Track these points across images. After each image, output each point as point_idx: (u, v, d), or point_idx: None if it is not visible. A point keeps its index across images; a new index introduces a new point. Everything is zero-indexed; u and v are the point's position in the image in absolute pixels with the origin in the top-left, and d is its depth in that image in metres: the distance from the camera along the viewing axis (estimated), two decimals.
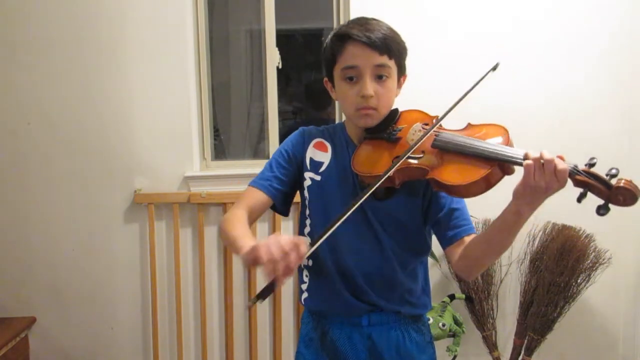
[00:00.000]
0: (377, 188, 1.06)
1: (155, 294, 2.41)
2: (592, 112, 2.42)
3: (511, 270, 2.43)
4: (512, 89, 2.36)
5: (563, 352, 2.51)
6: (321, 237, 1.01)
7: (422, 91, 2.05)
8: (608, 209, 0.94)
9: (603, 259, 2.26)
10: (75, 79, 2.34)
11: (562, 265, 2.22)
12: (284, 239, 0.94)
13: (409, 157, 1.10)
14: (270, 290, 0.96)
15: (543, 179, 0.93)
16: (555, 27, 2.39)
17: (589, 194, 0.95)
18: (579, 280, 2.26)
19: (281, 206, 1.29)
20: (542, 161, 0.93)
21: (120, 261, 2.44)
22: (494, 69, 1.11)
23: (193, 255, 2.45)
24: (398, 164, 1.08)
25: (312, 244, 1.00)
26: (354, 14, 2.33)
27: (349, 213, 1.03)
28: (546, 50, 2.39)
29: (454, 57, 2.36)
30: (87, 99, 2.35)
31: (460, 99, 1.09)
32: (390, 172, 1.07)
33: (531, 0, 2.38)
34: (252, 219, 1.24)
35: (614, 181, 0.93)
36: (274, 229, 2.41)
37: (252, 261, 0.97)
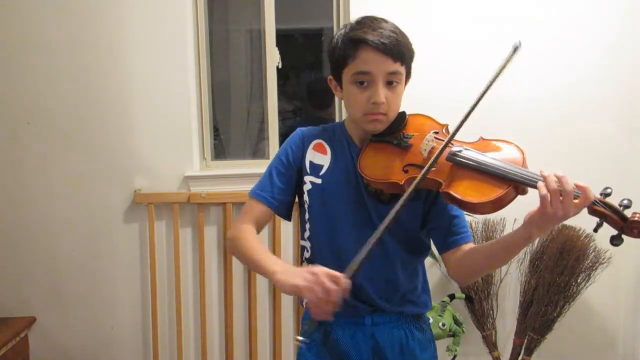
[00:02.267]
0: (403, 199, 1.06)
1: (155, 293, 2.41)
2: (592, 111, 2.42)
3: (511, 270, 2.43)
4: (512, 88, 2.36)
5: (563, 352, 2.51)
6: (358, 262, 1.04)
7: (424, 91, 2.05)
8: (622, 240, 0.98)
9: (603, 259, 2.26)
10: (75, 79, 2.34)
11: (562, 265, 2.22)
12: (325, 277, 0.99)
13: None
14: (319, 328, 1.05)
15: (561, 207, 0.94)
16: (555, 26, 2.39)
17: (586, 213, 0.97)
18: (578, 280, 2.27)
19: (285, 214, 1.31)
20: (560, 190, 0.94)
21: (120, 261, 2.44)
22: (517, 49, 1.07)
23: (193, 255, 2.45)
24: (420, 179, 1.07)
25: (350, 269, 1.03)
26: (354, 14, 2.33)
27: (380, 230, 1.05)
28: (546, 50, 2.39)
29: (454, 57, 2.36)
30: (87, 98, 2.35)
31: (483, 94, 1.06)
32: (413, 187, 1.07)
33: (532, 0, 2.39)
34: (258, 232, 1.27)
35: (628, 213, 0.96)
36: (274, 229, 2.41)
37: (294, 295, 1.04)
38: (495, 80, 1.06)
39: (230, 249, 1.29)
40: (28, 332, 2.44)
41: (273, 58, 2.51)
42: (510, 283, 2.47)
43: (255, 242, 1.21)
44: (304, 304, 1.32)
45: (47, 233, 2.41)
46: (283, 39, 2.57)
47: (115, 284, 2.45)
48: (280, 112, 2.58)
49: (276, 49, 2.51)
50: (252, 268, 1.21)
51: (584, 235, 2.25)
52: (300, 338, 1.08)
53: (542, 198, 0.95)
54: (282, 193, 1.27)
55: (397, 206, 1.05)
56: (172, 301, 2.44)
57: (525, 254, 2.38)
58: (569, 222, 2.26)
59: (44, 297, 2.44)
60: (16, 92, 2.34)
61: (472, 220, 2.31)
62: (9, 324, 2.35)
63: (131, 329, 2.47)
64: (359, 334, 1.26)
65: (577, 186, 0.95)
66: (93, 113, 2.36)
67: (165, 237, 2.43)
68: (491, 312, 2.38)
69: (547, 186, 0.95)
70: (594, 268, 2.27)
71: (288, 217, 1.32)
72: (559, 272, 2.22)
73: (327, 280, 0.98)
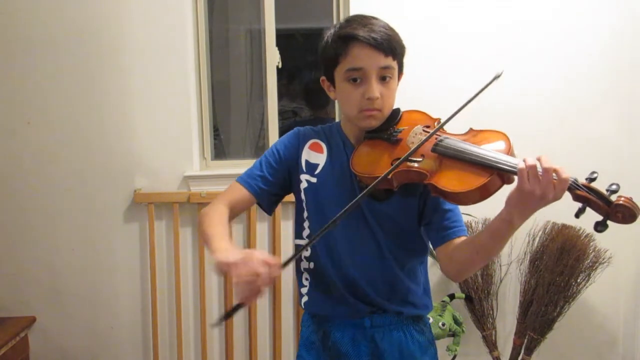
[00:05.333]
0: (373, 189, 1.05)
1: (155, 294, 2.41)
2: (591, 112, 2.42)
3: (511, 270, 2.43)
4: (511, 89, 2.36)
5: (563, 351, 2.51)
6: (309, 242, 1.05)
7: (421, 91, 2.06)
8: (606, 226, 0.93)
9: (603, 259, 2.26)
10: (75, 79, 2.34)
11: (562, 265, 2.22)
12: (258, 260, 0.96)
13: (409, 161, 1.09)
14: (236, 310, 1.01)
15: (538, 185, 0.92)
16: (554, 26, 2.39)
17: (588, 210, 0.94)
18: (578, 280, 2.27)
19: (266, 205, 1.29)
20: (539, 168, 0.92)
21: (120, 261, 2.44)
22: (497, 77, 1.08)
23: (193, 255, 2.45)
24: (395, 167, 1.07)
25: (288, 258, 1.02)
26: (353, 14, 2.33)
27: (338, 215, 1.03)
28: (545, 50, 2.39)
29: (453, 57, 2.36)
30: (87, 98, 2.35)
31: (461, 108, 1.06)
32: (388, 175, 1.07)
33: (530, 0, 2.39)
34: (233, 215, 1.24)
35: (614, 197, 0.92)
36: (273, 228, 2.41)
37: (223, 273, 0.99)
38: (471, 101, 1.06)
39: (198, 224, 1.27)
40: (28, 331, 2.44)
41: (273, 58, 2.51)
42: (510, 283, 2.47)
43: (218, 221, 1.18)
44: (302, 297, 1.32)
45: (47, 233, 2.41)
46: (283, 39, 2.57)
47: (115, 284, 2.45)
48: (280, 112, 2.58)
49: (276, 49, 2.51)
50: (203, 242, 1.18)
51: (584, 235, 2.25)
52: (216, 322, 1.06)
53: (519, 172, 0.93)
54: (267, 184, 1.27)
55: (368, 189, 1.04)
56: (172, 301, 2.44)
57: (525, 253, 2.38)
58: (568, 221, 2.28)
59: (44, 297, 2.44)
60: (16, 92, 2.34)
61: (472, 220, 2.31)
62: (9, 324, 2.35)
63: (131, 329, 2.47)
64: (358, 336, 1.26)
65: (554, 170, 0.93)
66: (93, 113, 2.36)
67: (165, 237, 2.43)
68: (491, 312, 2.38)
69: (524, 162, 0.94)
70: (594, 268, 2.27)
71: (268, 210, 1.30)
72: (559, 272, 2.22)
73: (259, 263, 0.96)
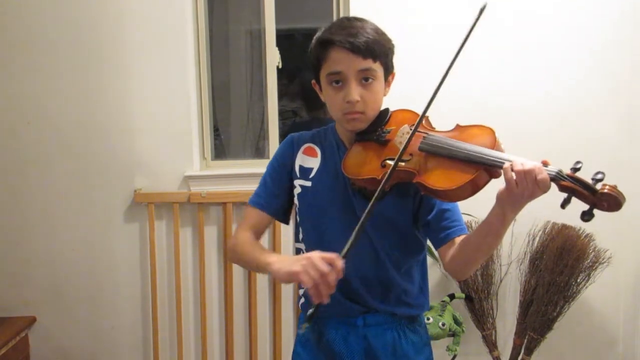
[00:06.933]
0: (369, 192, 1.07)
1: (155, 293, 2.41)
2: (591, 112, 2.41)
3: (511, 270, 2.43)
4: (511, 89, 2.36)
5: (563, 351, 2.51)
6: (350, 243, 1.05)
7: (421, 91, 2.05)
8: (592, 215, 0.94)
9: (603, 259, 2.26)
10: (75, 79, 2.34)
11: (562, 265, 2.22)
12: (318, 260, 1.01)
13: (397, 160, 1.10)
14: (318, 309, 1.04)
15: (526, 188, 0.94)
16: (554, 25, 2.38)
17: (574, 200, 0.95)
18: (578, 280, 2.27)
19: (282, 218, 1.34)
20: (523, 172, 0.94)
21: (120, 261, 2.44)
22: (483, 10, 1.06)
23: (193, 255, 2.45)
24: (391, 171, 1.07)
25: (343, 250, 1.05)
26: (353, 14, 2.33)
27: (364, 216, 1.05)
28: (544, 50, 2.38)
29: (452, 57, 2.36)
30: (87, 98, 2.35)
31: (445, 75, 1.09)
32: (387, 178, 1.07)
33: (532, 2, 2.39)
34: (258, 237, 1.31)
35: (599, 186, 0.93)
36: (274, 233, 2.41)
37: (292, 281, 1.08)
38: (463, 47, 1.08)
39: (231, 259, 1.33)
40: (28, 331, 2.44)
41: (273, 58, 2.51)
42: (510, 283, 2.47)
43: (251, 244, 1.26)
44: (300, 298, 1.33)
45: (47, 233, 2.41)
46: (283, 39, 2.57)
47: (115, 284, 2.45)
48: (280, 112, 2.58)
49: (276, 49, 2.51)
50: (252, 268, 1.24)
51: (583, 235, 2.25)
52: (306, 325, 1.09)
53: (506, 180, 0.96)
54: (276, 197, 1.31)
55: (375, 197, 1.06)
56: (172, 301, 2.44)
57: (525, 253, 2.38)
58: (569, 222, 2.28)
59: (44, 297, 2.44)
60: (16, 92, 2.34)
61: (472, 220, 2.31)
62: (9, 324, 2.36)
63: (131, 329, 2.47)
64: (351, 336, 1.27)
65: (543, 162, 0.96)
66: (93, 113, 2.36)
67: (165, 237, 2.43)
68: (491, 312, 2.38)
69: (512, 167, 0.96)
70: (594, 268, 2.26)
71: (286, 221, 1.35)
72: (558, 272, 2.22)
73: (321, 262, 1.00)
